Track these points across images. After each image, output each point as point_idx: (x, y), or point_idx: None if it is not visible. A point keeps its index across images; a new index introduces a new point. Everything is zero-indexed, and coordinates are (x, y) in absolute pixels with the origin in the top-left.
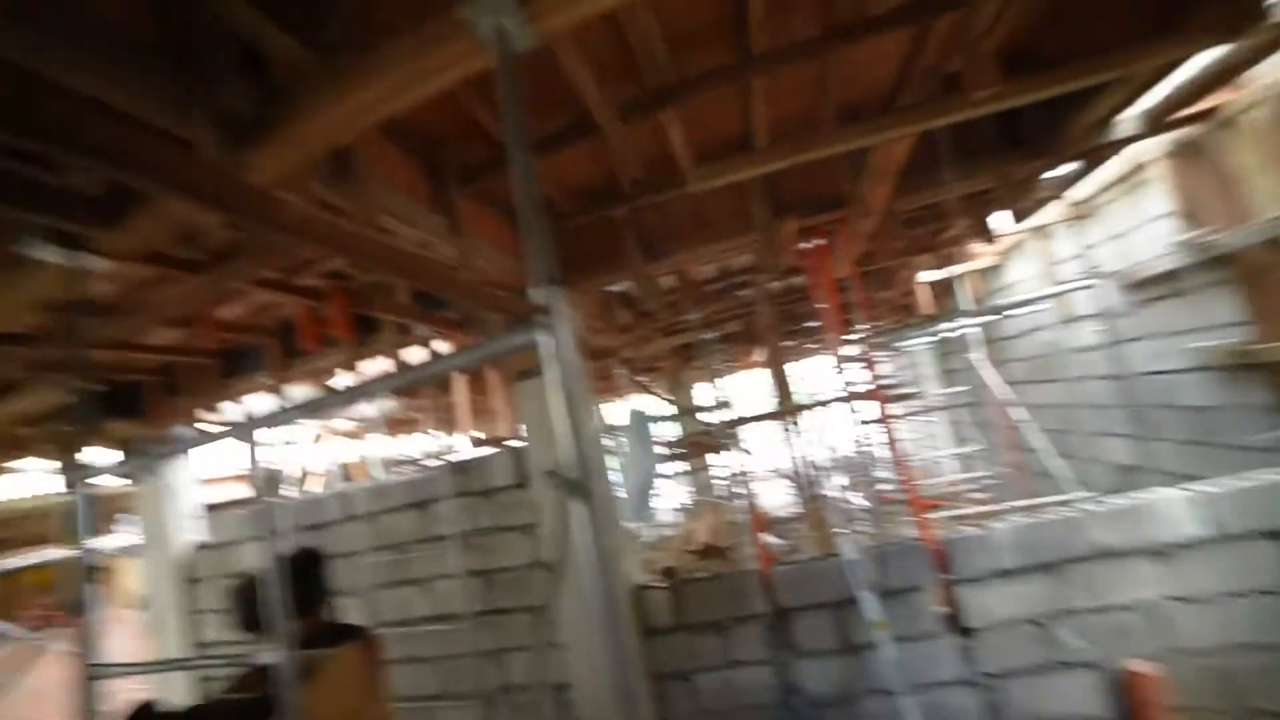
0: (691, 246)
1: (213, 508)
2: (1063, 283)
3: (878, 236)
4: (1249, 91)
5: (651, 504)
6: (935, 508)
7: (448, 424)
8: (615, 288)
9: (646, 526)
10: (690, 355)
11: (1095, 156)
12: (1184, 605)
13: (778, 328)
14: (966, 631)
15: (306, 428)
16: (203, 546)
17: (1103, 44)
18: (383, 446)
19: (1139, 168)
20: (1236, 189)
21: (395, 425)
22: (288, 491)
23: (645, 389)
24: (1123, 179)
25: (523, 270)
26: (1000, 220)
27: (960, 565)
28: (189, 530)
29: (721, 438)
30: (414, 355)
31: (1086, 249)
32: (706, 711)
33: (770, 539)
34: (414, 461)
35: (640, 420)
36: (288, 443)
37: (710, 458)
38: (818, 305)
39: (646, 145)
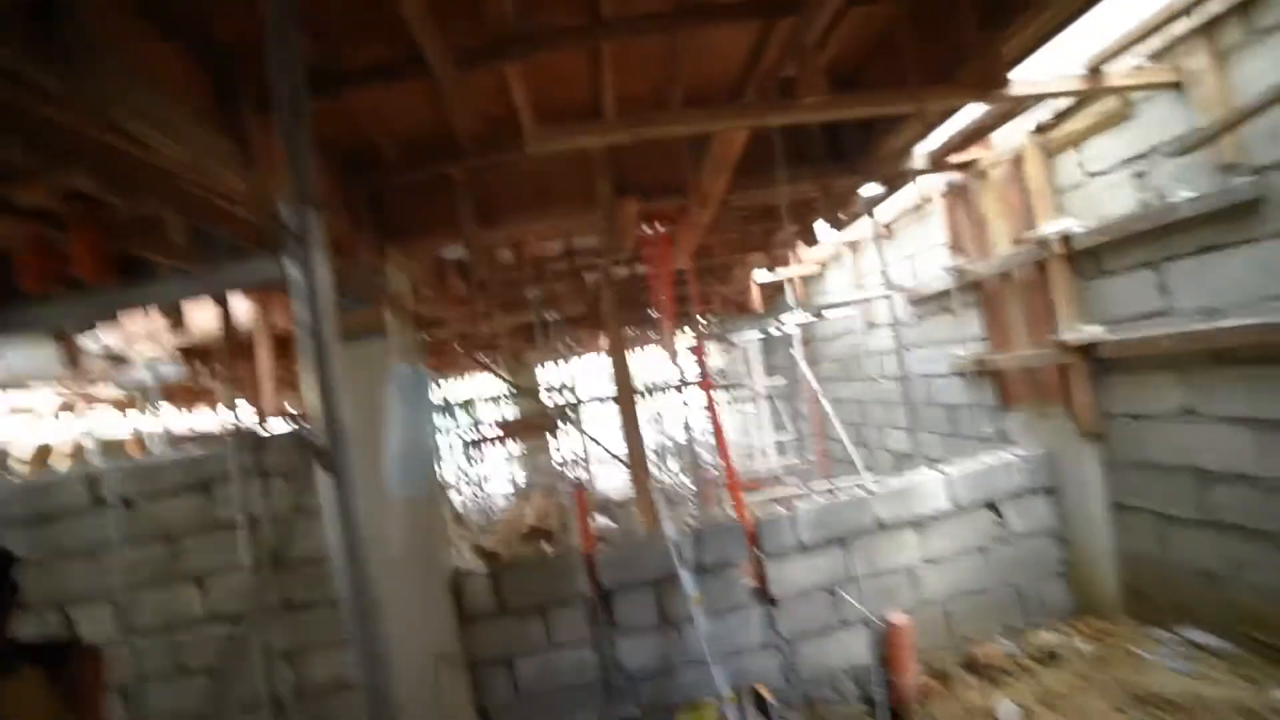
0: (531, 217)
1: None
2: (866, 293)
3: (715, 229)
4: (993, 153)
5: (422, 475)
6: (751, 490)
7: (247, 395)
8: (449, 255)
9: (422, 497)
10: (531, 335)
11: (895, 180)
12: (930, 565)
13: (620, 314)
14: (772, 601)
15: (48, 393)
16: None
17: (904, 80)
18: (163, 420)
19: (926, 200)
20: (985, 228)
21: (182, 396)
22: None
23: (484, 367)
24: (915, 208)
25: (342, 224)
26: (823, 229)
27: (769, 542)
28: None
29: (558, 419)
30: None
31: (887, 265)
32: (527, 695)
33: (600, 521)
34: (199, 437)
35: (411, 378)
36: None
37: (547, 440)
38: (655, 294)
39: (487, 101)
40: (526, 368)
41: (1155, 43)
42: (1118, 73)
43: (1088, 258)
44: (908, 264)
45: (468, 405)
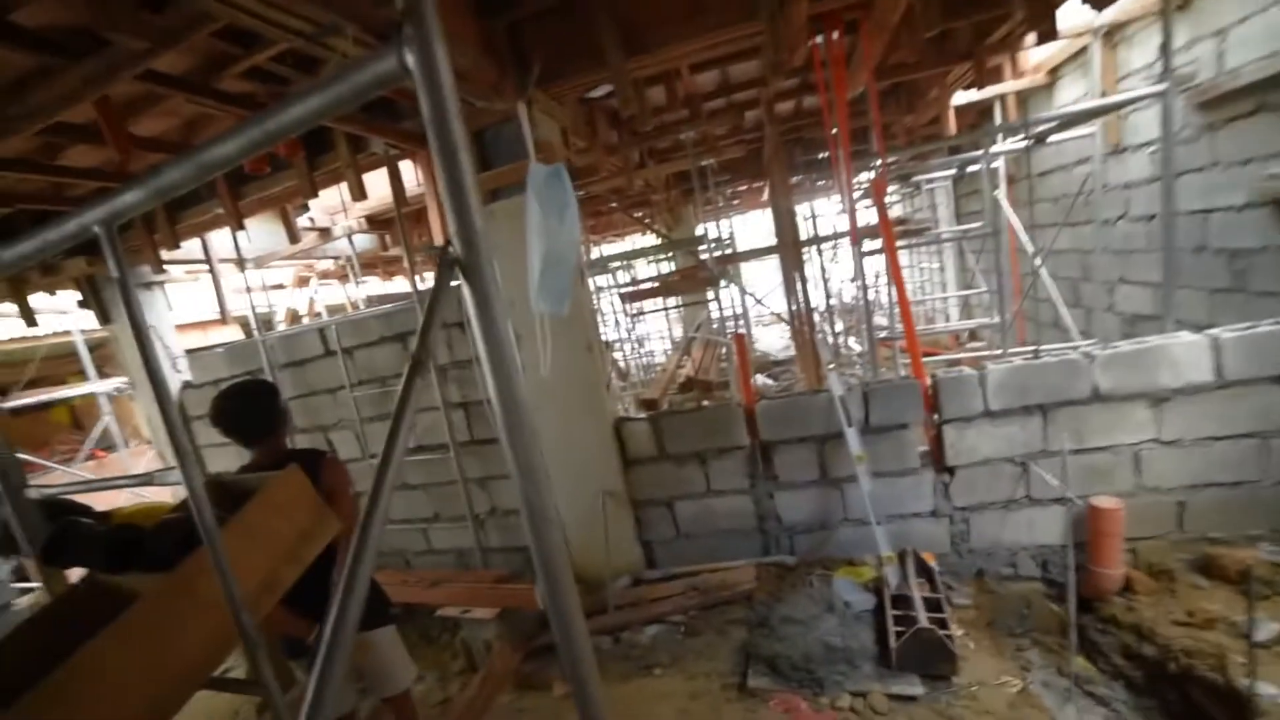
0: (683, 36)
1: (191, 351)
2: (1119, 101)
3: (907, 32)
4: None
5: (565, 291)
6: (931, 355)
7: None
8: (596, 93)
9: (558, 315)
10: (688, 187)
11: None
12: (1165, 448)
13: (785, 157)
14: (948, 469)
15: (287, 269)
16: (188, 386)
17: None
18: (366, 288)
19: None
20: None
21: (378, 264)
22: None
23: (639, 223)
24: None
25: (483, 68)
26: (1066, 15)
27: (949, 405)
28: (171, 370)
29: (716, 274)
30: (376, 178)
31: (1167, 56)
32: (686, 534)
33: (761, 380)
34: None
35: (549, 181)
36: (267, 285)
37: (706, 296)
38: (829, 125)
39: None
40: (684, 223)
41: None
42: None
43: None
44: (1206, 46)
45: (624, 261)
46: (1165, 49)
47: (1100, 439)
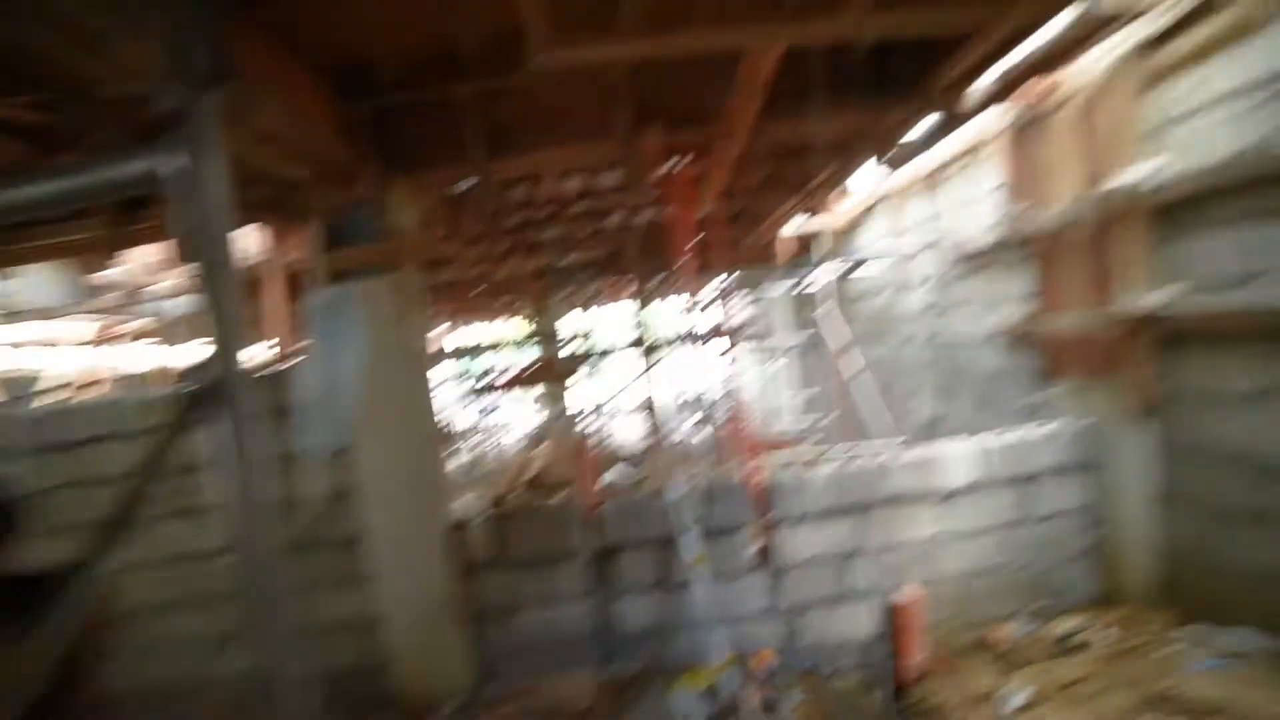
0: (546, 147)
1: None
2: (906, 247)
3: (745, 167)
4: (1070, 84)
5: (342, 422)
6: (769, 450)
7: (259, 331)
8: (462, 189)
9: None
10: (552, 280)
11: (951, 117)
12: (952, 540)
13: (643, 260)
14: (778, 569)
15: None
16: None
17: None
18: (178, 354)
19: (982, 142)
20: (1049, 175)
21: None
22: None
23: (499, 311)
24: (969, 151)
25: (338, 150)
26: (863, 174)
27: (780, 506)
28: None
29: (574, 367)
30: None
31: (932, 217)
32: (525, 646)
33: (614, 474)
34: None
35: (336, 306)
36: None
37: (563, 388)
38: (678, 241)
39: (494, 11)
40: (545, 314)
41: None
42: None
43: (1169, 210)
44: (954, 216)
45: (481, 350)
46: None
47: (905, 534)
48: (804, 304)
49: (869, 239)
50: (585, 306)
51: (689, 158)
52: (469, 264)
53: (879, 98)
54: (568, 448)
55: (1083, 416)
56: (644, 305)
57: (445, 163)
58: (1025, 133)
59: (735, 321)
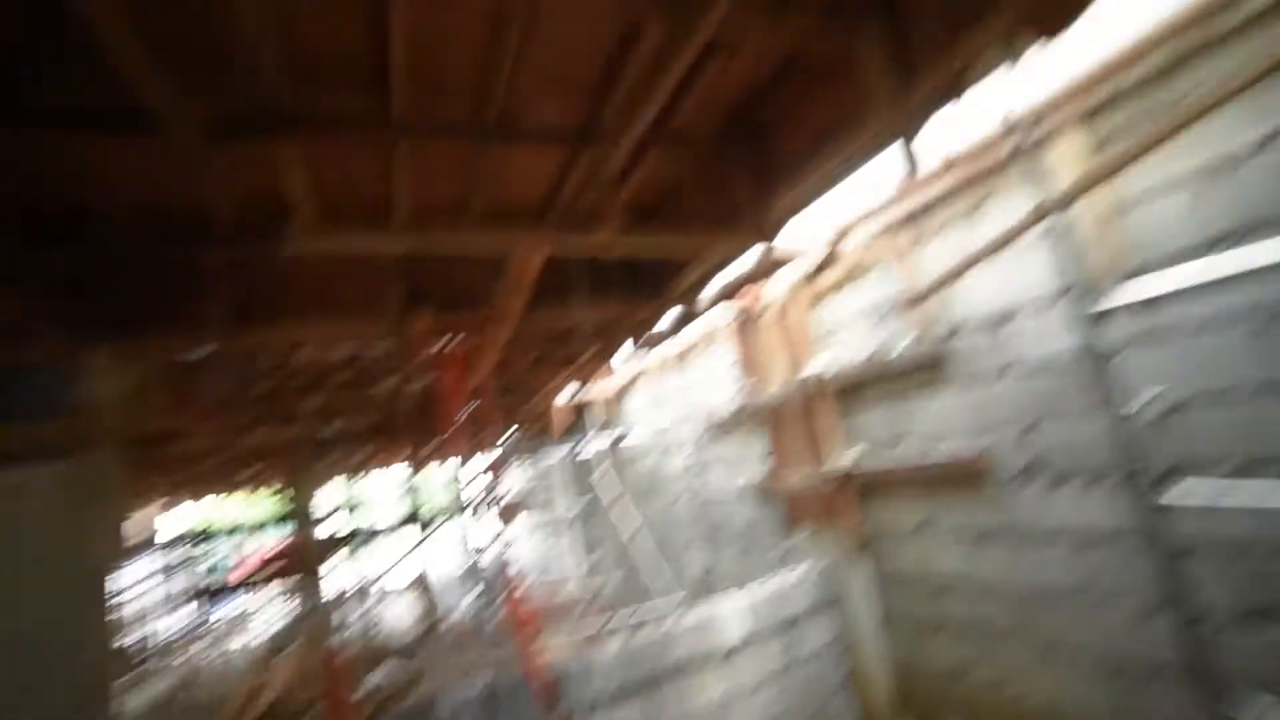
0: (307, 321)
1: None
2: (666, 415)
3: (515, 348)
4: (769, 294)
5: None
6: (551, 628)
7: None
8: (196, 356)
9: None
10: (312, 450)
11: (689, 312)
12: (735, 699)
13: (415, 427)
14: None
15: None
16: None
17: (692, 225)
18: None
19: (718, 329)
20: (766, 360)
21: None
22: None
23: (239, 488)
24: (709, 335)
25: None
26: (625, 351)
27: (569, 697)
28: None
29: (333, 548)
30: None
31: (684, 388)
32: None
33: (379, 675)
34: None
35: None
36: None
37: (315, 579)
38: (450, 411)
39: (258, 180)
40: (301, 487)
41: (873, 226)
42: (849, 244)
43: (845, 392)
44: (702, 388)
45: (213, 534)
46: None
47: (694, 701)
48: (581, 470)
49: (635, 406)
50: (350, 477)
51: (460, 336)
52: (204, 435)
53: (632, 295)
54: (317, 656)
55: (821, 558)
56: (416, 475)
57: (178, 328)
58: (746, 326)
59: (512, 491)
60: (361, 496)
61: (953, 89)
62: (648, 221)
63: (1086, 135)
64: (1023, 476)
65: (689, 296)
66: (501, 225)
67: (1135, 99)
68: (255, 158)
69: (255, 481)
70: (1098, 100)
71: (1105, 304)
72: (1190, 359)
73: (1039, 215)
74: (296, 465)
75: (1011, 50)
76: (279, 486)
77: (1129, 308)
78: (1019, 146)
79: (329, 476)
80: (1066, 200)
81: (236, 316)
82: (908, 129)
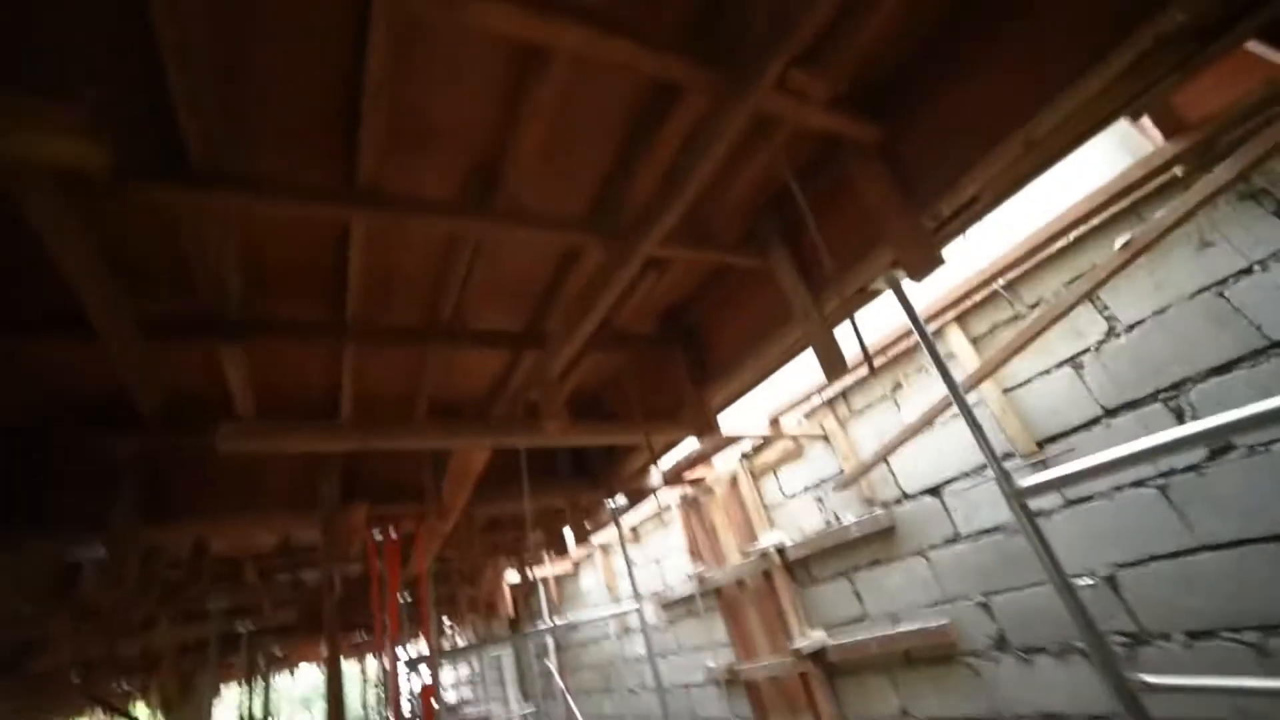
0: (229, 514)
1: None
2: (617, 597)
3: (458, 537)
4: (715, 473)
5: None
6: None
7: None
8: (85, 555)
9: None
10: (215, 650)
11: (637, 495)
12: None
13: (339, 624)
14: None
15: None
16: None
17: (633, 416)
18: None
19: (666, 509)
20: (717, 538)
21: None
22: None
23: (110, 707)
24: (657, 516)
25: None
26: (571, 537)
27: None
28: None
29: None
30: None
31: (634, 569)
32: None
33: None
34: None
35: None
36: None
37: None
38: (383, 603)
39: (186, 373)
40: (197, 694)
41: (806, 407)
42: (787, 425)
43: (800, 567)
44: (655, 568)
45: None
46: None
47: None
48: (530, 657)
49: (588, 585)
50: (259, 680)
51: (400, 527)
52: (76, 643)
53: (577, 482)
54: None
55: None
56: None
57: (63, 524)
58: (695, 505)
59: (450, 688)
60: (274, 702)
61: (855, 304)
62: (590, 414)
63: (979, 325)
64: (993, 649)
65: (634, 480)
66: (446, 420)
67: (1008, 301)
68: (193, 354)
69: (130, 697)
70: (979, 299)
71: (1026, 474)
72: (1118, 526)
73: (945, 402)
74: (188, 672)
75: (895, 279)
76: (161, 700)
77: (1048, 479)
78: (921, 332)
79: (229, 681)
80: (969, 385)
81: (150, 511)
82: (821, 337)
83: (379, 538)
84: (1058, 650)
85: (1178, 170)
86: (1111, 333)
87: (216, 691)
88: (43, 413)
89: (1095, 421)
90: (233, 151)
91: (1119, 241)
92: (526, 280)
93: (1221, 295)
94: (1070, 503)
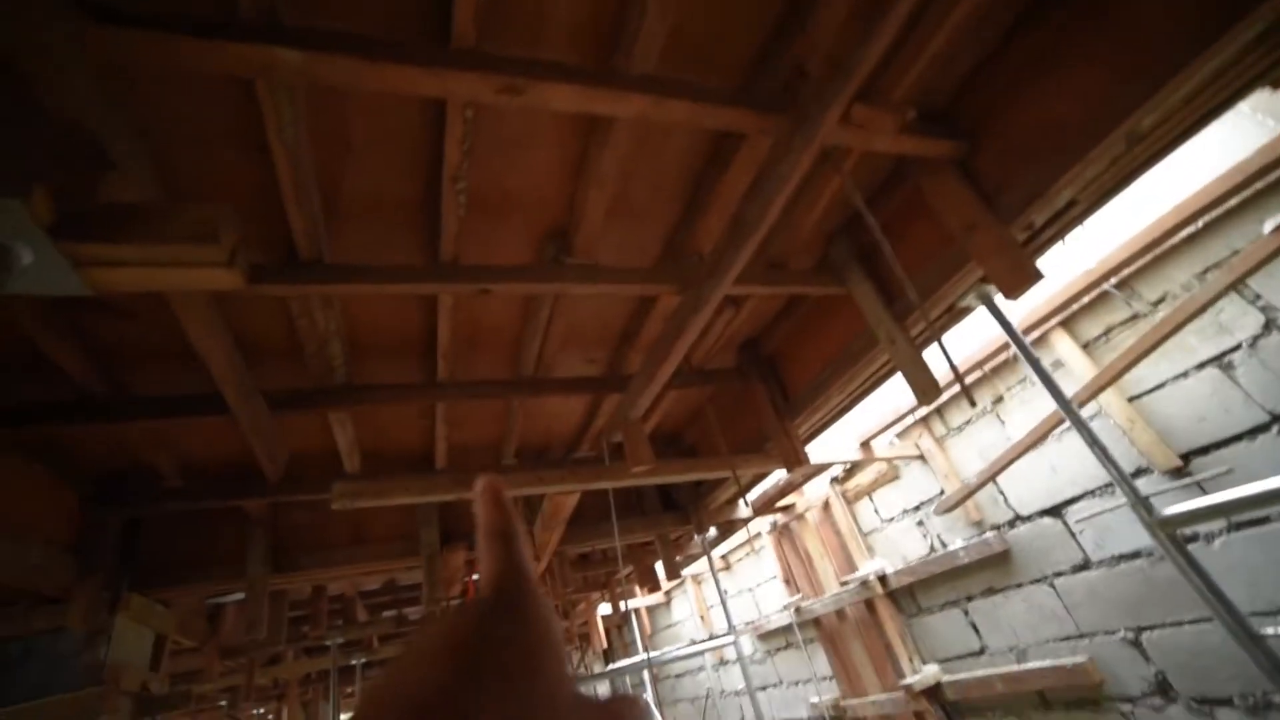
0: (340, 560)
1: None
2: (710, 626)
3: (549, 574)
4: (807, 499)
5: None
6: None
7: None
8: (227, 600)
9: None
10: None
11: (726, 527)
12: None
13: None
14: None
15: None
16: None
17: (718, 449)
18: None
19: (757, 536)
20: (813, 566)
21: None
22: None
23: None
24: (749, 543)
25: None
26: (661, 570)
27: None
28: None
29: None
30: None
31: (730, 596)
32: None
33: None
34: None
35: None
36: None
37: None
38: None
39: (305, 438)
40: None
41: (899, 427)
42: (879, 446)
43: (905, 596)
44: (749, 597)
45: None
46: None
47: None
48: (627, 690)
49: (680, 615)
50: None
51: None
52: (223, 674)
53: (665, 516)
54: None
55: None
56: None
57: (211, 573)
58: (787, 533)
59: None
60: None
61: (946, 324)
62: (673, 449)
63: (1092, 328)
64: (1153, 695)
65: (723, 513)
66: (533, 468)
67: (1125, 300)
68: (308, 421)
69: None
70: (1086, 301)
71: (1171, 490)
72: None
73: (1056, 417)
74: (311, 699)
75: (987, 296)
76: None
77: (1194, 509)
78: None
79: (347, 708)
80: (1085, 396)
81: (274, 560)
82: (910, 362)
83: (476, 577)
84: (1250, 704)
85: None
86: (1272, 325)
87: (337, 716)
88: (192, 478)
89: (1260, 430)
90: (333, 243)
91: (1269, 224)
92: (604, 328)
93: None
94: (1237, 526)
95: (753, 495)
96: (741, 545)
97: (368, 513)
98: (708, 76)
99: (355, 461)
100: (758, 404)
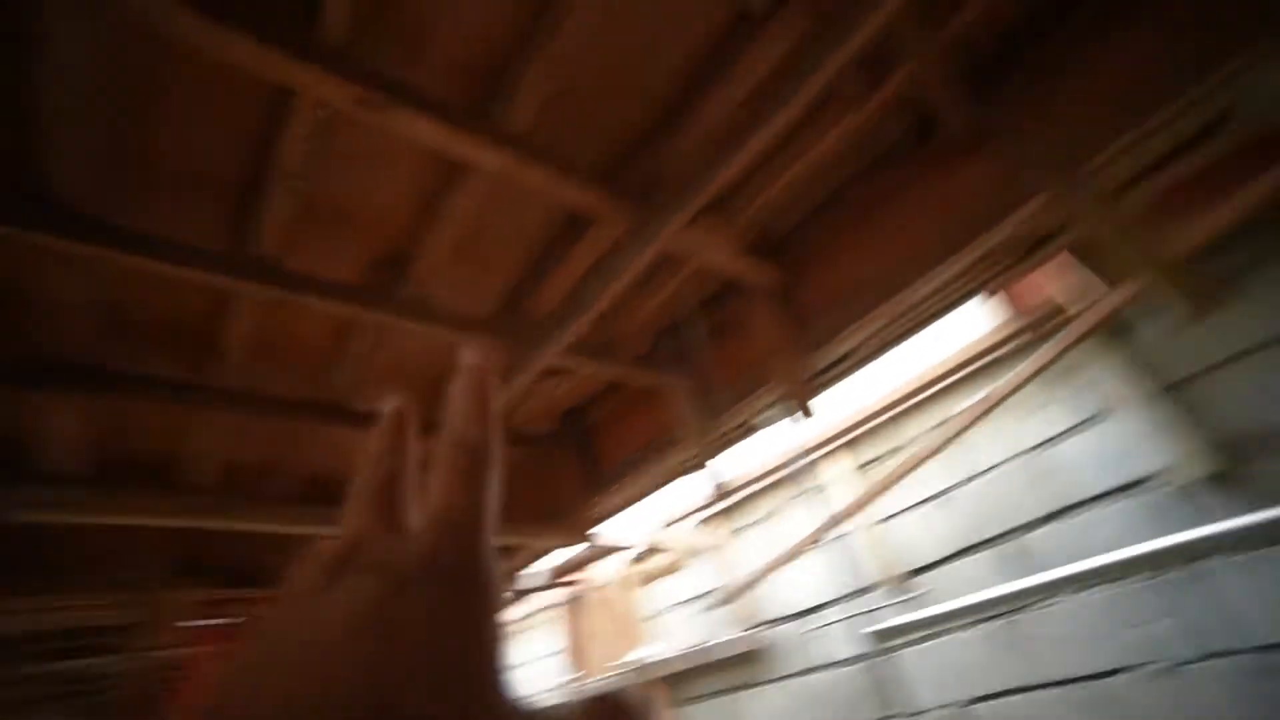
0: (18, 587)
1: None
2: None
3: None
4: (598, 577)
5: None
6: None
7: None
8: None
9: None
10: None
11: (517, 594)
12: None
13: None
14: None
15: None
16: None
17: (514, 518)
18: None
19: (547, 608)
20: (595, 644)
21: None
22: None
23: None
24: (542, 613)
25: None
26: None
27: None
28: None
29: None
30: None
31: (519, 665)
32: None
33: None
34: None
35: None
36: None
37: None
38: (192, 688)
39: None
40: None
41: (693, 520)
42: (671, 536)
43: (678, 681)
44: (533, 668)
45: None
46: None
47: None
48: None
49: None
50: None
51: (235, 613)
52: None
53: None
54: None
55: None
56: None
57: None
58: (578, 607)
59: None
60: None
61: (743, 433)
62: None
63: (851, 460)
64: None
65: (511, 579)
66: (314, 502)
67: (888, 434)
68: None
69: None
70: (857, 434)
71: (881, 608)
72: (959, 666)
73: (817, 533)
74: None
75: (786, 411)
76: None
77: (901, 615)
78: (798, 469)
79: None
80: (840, 518)
81: None
82: (706, 458)
83: (209, 624)
84: None
85: (1016, 342)
86: (974, 477)
87: None
88: None
89: (936, 564)
90: (113, 203)
91: (979, 395)
92: (426, 366)
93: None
94: (913, 641)
95: (547, 564)
96: (533, 614)
97: (72, 531)
98: (579, 150)
99: (74, 464)
100: (568, 475)
